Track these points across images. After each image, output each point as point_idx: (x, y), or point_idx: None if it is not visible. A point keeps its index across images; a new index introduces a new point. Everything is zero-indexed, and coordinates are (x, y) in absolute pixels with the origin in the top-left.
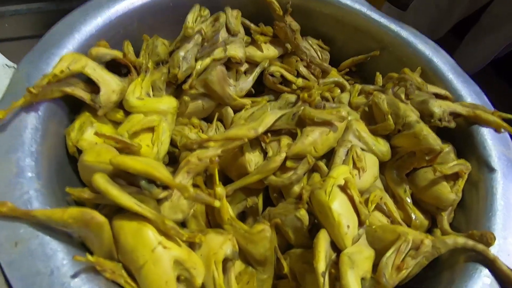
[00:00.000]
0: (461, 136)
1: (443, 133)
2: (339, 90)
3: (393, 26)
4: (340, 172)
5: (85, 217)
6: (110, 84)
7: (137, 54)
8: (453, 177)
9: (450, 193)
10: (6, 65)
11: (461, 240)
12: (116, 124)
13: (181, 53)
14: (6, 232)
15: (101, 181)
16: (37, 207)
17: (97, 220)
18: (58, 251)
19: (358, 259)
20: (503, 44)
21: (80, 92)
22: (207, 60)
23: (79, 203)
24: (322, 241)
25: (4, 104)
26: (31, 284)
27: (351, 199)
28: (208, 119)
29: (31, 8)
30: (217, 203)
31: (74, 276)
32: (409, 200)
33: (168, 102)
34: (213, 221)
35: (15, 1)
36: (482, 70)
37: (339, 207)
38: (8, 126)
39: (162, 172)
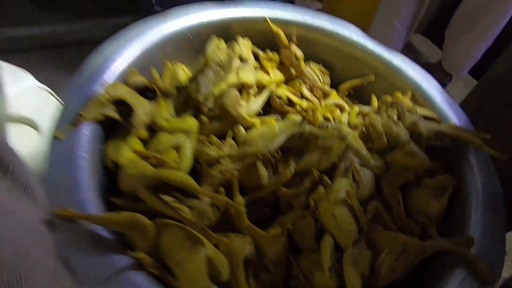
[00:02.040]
0: (448, 153)
1: (432, 150)
2: (339, 111)
3: (386, 55)
4: (342, 184)
5: (136, 220)
6: (143, 108)
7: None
8: (440, 190)
9: (436, 204)
10: (37, 86)
11: (446, 243)
12: (142, 140)
13: (202, 80)
14: None
15: (145, 191)
16: (90, 212)
17: (145, 223)
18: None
19: (358, 258)
20: (483, 39)
21: (116, 115)
22: (223, 86)
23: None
24: (328, 242)
25: (59, 126)
26: None
27: (351, 208)
28: (222, 136)
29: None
30: (242, 208)
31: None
32: (402, 210)
33: (190, 123)
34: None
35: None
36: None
37: (342, 214)
38: (64, 144)
39: (195, 184)
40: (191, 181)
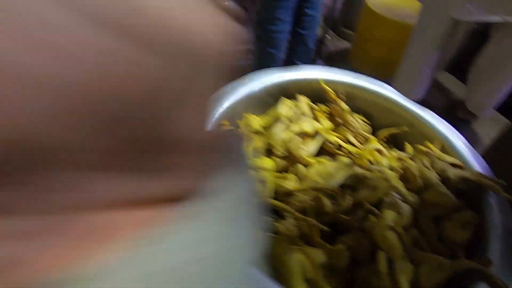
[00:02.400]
0: (472, 194)
1: (459, 191)
2: (378, 154)
3: (416, 110)
4: (389, 215)
5: None
6: None
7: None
8: (465, 223)
9: (463, 234)
10: None
11: (471, 263)
12: None
13: (275, 130)
14: None
15: None
16: None
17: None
18: None
19: (405, 269)
20: (505, 82)
21: None
22: (290, 134)
23: None
24: (382, 256)
25: None
26: None
27: (397, 232)
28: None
29: None
30: (320, 227)
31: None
32: (434, 238)
33: (269, 163)
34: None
35: None
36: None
37: (391, 236)
38: None
39: (292, 209)
40: (288, 207)
